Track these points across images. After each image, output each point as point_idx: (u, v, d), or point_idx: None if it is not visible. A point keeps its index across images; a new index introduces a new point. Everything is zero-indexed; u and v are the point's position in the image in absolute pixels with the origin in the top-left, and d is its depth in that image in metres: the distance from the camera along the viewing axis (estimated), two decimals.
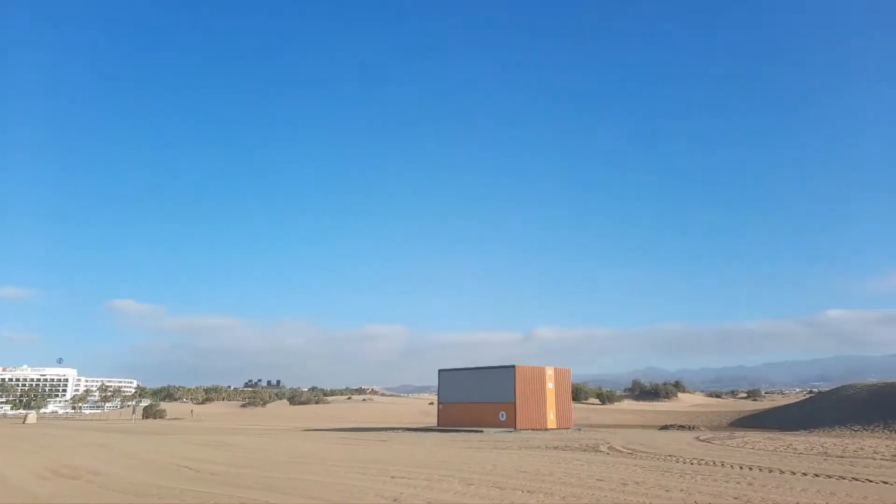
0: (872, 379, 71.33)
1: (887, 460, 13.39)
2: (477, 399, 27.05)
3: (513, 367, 26.35)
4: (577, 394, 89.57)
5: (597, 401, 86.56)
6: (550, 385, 27.26)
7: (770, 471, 11.96)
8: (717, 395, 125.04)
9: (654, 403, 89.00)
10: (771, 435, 24.22)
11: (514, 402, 25.67)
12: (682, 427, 38.61)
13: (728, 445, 17.18)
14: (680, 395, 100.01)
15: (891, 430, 29.85)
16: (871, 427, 32.10)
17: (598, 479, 11.14)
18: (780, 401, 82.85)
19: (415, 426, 31.75)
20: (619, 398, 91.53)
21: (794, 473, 11.54)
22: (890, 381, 57.73)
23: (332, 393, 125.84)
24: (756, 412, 60.97)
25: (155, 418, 68.24)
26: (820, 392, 75.02)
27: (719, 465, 12.95)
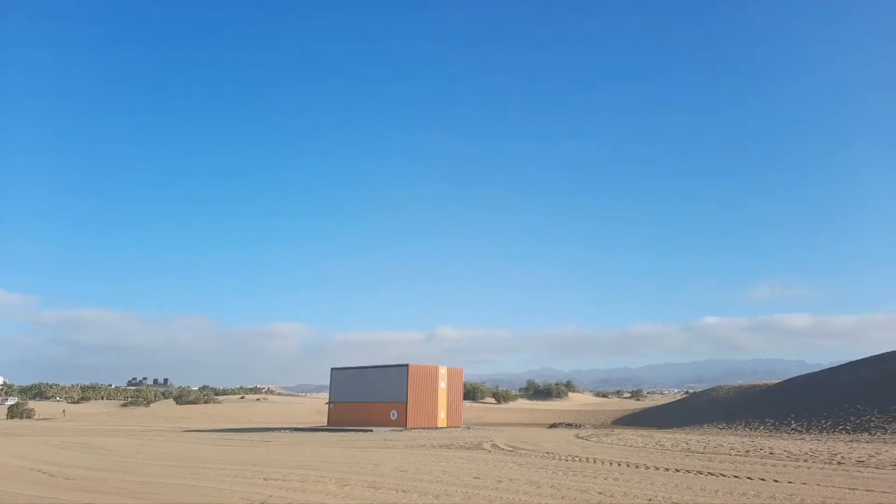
0: (740, 381, 77.77)
1: (741, 455, 14.54)
2: (369, 398, 26.78)
3: (406, 366, 26.33)
4: (474, 393, 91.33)
5: (493, 400, 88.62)
6: (443, 384, 27.51)
7: (636, 466, 12.62)
8: (605, 395, 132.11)
9: (546, 402, 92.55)
10: (645, 432, 25.76)
11: (406, 402, 25.66)
12: (569, 425, 40.37)
13: (604, 442, 18.03)
14: (571, 394, 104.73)
15: (750, 428, 32.68)
16: (734, 425, 34.98)
17: (475, 477, 11.25)
18: (659, 400, 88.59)
19: (305, 426, 30.92)
20: (514, 397, 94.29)
21: (657, 469, 12.24)
22: (753, 382, 63.46)
23: (225, 392, 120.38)
24: (637, 411, 64.89)
25: (21, 418, 62.18)
26: (693, 393, 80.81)
27: (591, 461, 13.51)
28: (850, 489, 9.59)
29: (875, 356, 40.26)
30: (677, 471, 11.92)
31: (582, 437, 19.90)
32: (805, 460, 13.19)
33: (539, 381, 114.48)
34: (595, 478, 11.04)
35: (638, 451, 15.65)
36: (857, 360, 41.62)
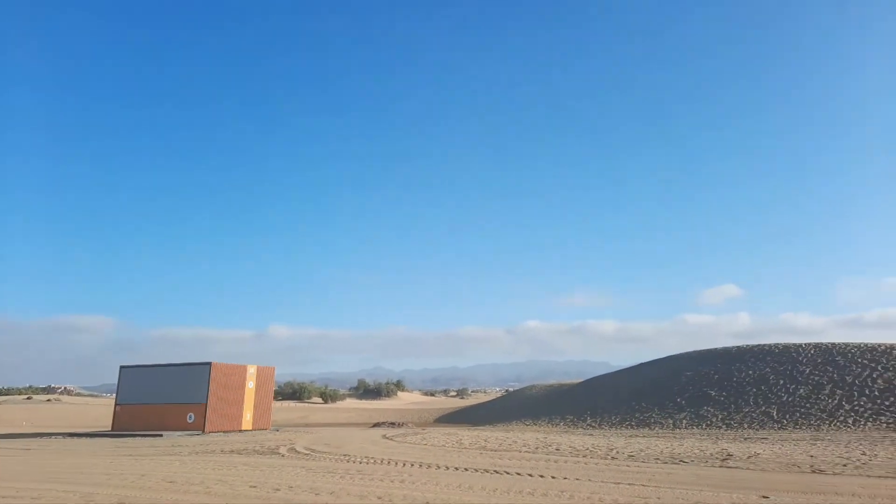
0: (552, 381, 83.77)
1: (530, 452, 15.08)
2: (163, 399, 24.15)
3: (208, 364, 24.18)
4: (301, 393, 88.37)
5: (320, 400, 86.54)
6: (251, 384, 25.73)
7: (428, 466, 12.43)
8: (432, 394, 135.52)
9: (375, 402, 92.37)
10: (454, 430, 26.26)
11: (206, 403, 23.53)
12: (392, 424, 40.38)
13: (407, 442, 17.85)
14: (400, 393, 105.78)
15: (552, 424, 35.09)
16: (539, 421, 37.34)
17: (251, 486, 10.25)
18: (481, 398, 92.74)
19: (87, 431, 27.13)
20: (343, 397, 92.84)
21: (447, 469, 12.14)
22: (561, 382, 68.78)
23: (9, 392, 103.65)
24: (460, 409, 67.14)
25: None
26: (510, 392, 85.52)
27: (386, 462, 13.12)
28: (615, 483, 10.14)
29: (658, 359, 45.56)
30: (466, 470, 11.91)
31: (388, 438, 19.59)
32: (585, 455, 13.98)
33: (370, 381, 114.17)
34: (381, 481, 10.60)
35: (437, 450, 15.62)
36: (645, 363, 46.77)
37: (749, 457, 13.28)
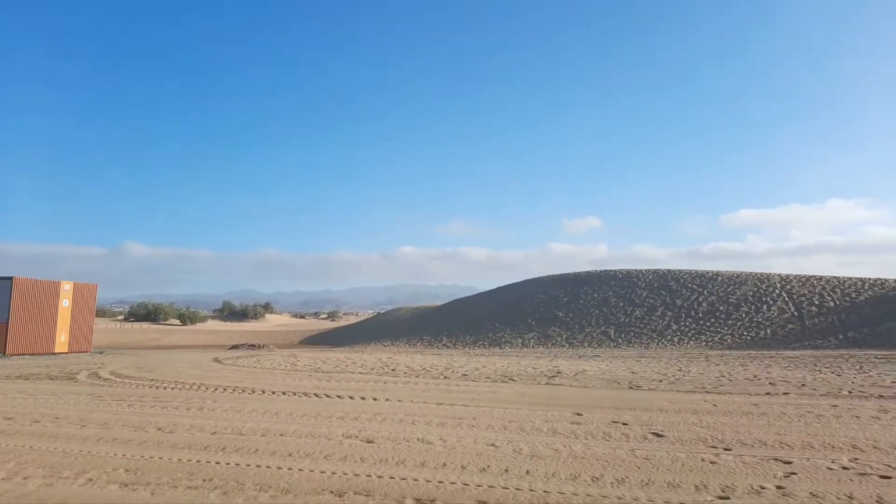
0: (423, 303, 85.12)
1: (364, 373, 14.39)
2: None
3: (8, 279, 20.84)
4: (157, 314, 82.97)
5: (178, 322, 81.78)
6: (66, 303, 22.69)
7: (242, 391, 11.27)
8: (303, 316, 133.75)
9: (241, 324, 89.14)
10: (301, 352, 25.27)
11: (7, 322, 20.39)
12: (251, 346, 38.71)
13: (237, 365, 16.54)
14: (268, 315, 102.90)
15: (409, 344, 35.37)
16: (398, 342, 37.53)
17: (5, 418, 8.50)
18: (352, 320, 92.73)
19: None
20: (204, 318, 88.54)
21: (261, 393, 11.05)
22: (427, 304, 70.04)
23: None
24: (327, 331, 66.48)
25: None
26: (379, 314, 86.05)
27: (195, 388, 11.77)
28: (437, 403, 9.60)
29: (515, 284, 47.30)
30: (280, 394, 10.89)
31: (218, 361, 18.11)
32: (418, 376, 13.53)
33: (237, 303, 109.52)
34: (176, 409, 9.26)
35: (263, 373, 14.47)
36: (503, 286, 48.40)
37: (576, 374, 13.51)
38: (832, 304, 29.17)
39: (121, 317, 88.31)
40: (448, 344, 33.82)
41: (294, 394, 10.79)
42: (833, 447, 6.26)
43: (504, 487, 5.04)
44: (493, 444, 6.70)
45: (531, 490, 4.96)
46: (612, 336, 29.59)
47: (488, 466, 5.72)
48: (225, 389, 11.44)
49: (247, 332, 68.97)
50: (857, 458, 5.76)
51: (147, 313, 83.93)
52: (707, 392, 10.51)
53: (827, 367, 14.56)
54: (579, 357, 20.05)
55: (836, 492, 4.74)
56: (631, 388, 11.27)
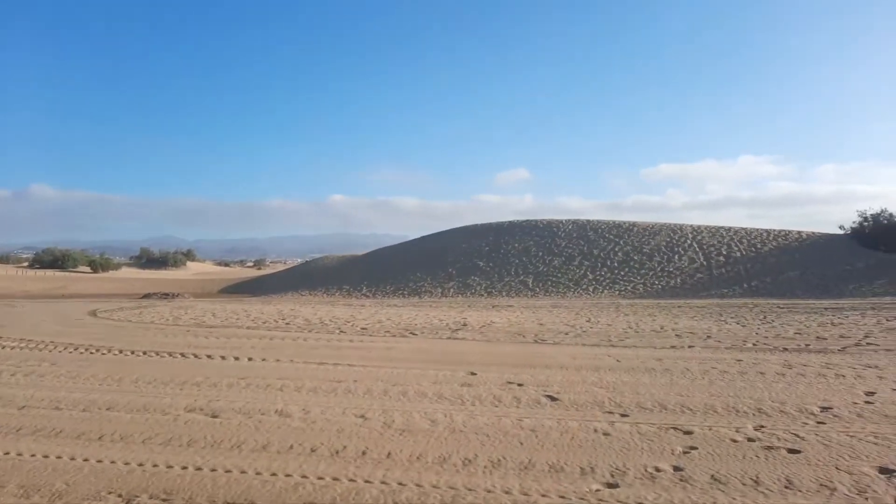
0: (354, 252, 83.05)
1: (254, 328, 13.10)
2: None
3: None
4: (65, 261, 76.92)
5: (88, 269, 76.25)
6: None
7: (95, 350, 9.77)
8: (227, 265, 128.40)
9: (159, 272, 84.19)
10: (200, 303, 23.47)
11: None
12: (165, 295, 36.21)
13: (113, 319, 14.81)
14: (189, 263, 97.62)
15: (328, 294, 34.02)
16: (317, 291, 36.04)
17: None
18: (278, 269, 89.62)
19: None
20: (118, 266, 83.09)
21: (118, 353, 9.61)
22: (353, 253, 68.36)
23: None
24: (248, 279, 63.70)
25: None
26: (303, 262, 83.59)
27: (40, 348, 10.14)
28: (318, 363, 8.53)
29: (439, 233, 46.44)
30: (140, 354, 9.50)
31: (94, 314, 16.24)
32: (311, 330, 12.41)
33: (155, 250, 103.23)
34: None
35: (137, 329, 12.90)
36: (427, 235, 47.44)
37: (483, 326, 12.77)
38: (739, 254, 30.10)
39: (25, 263, 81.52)
40: (367, 293, 32.73)
41: (157, 354, 9.41)
42: (738, 411, 5.66)
43: (351, 479, 4.03)
44: (363, 416, 5.71)
45: (383, 482, 3.98)
46: (530, 285, 29.41)
47: (344, 448, 4.71)
48: (76, 349, 9.89)
49: (164, 280, 65.01)
50: (762, 426, 5.15)
51: (54, 260, 77.67)
52: (612, 346, 9.96)
53: (732, 318, 14.54)
54: (493, 307, 19.48)
55: (741, 474, 4.03)
56: (536, 341, 10.59)
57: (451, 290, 30.65)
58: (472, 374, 7.61)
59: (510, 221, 42.14)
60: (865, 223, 31.78)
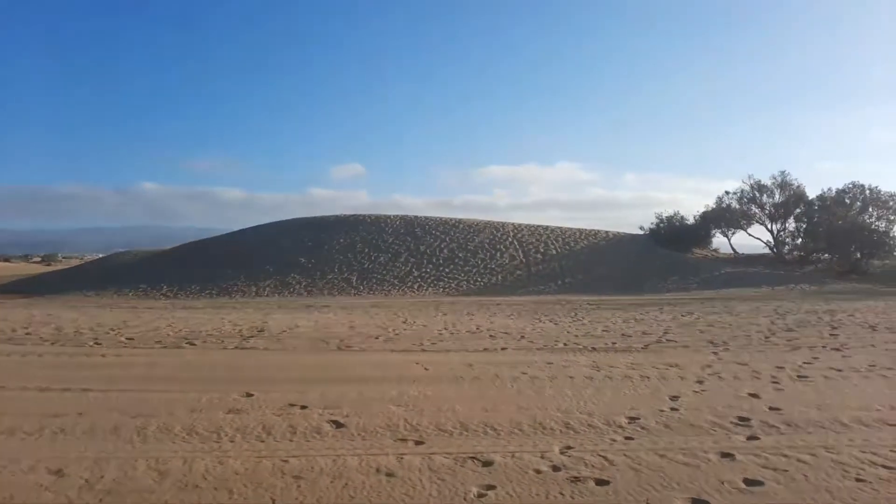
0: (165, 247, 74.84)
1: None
2: None
3: None
4: None
5: None
6: None
7: None
8: (7, 259, 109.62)
9: None
10: None
11: None
12: None
13: None
14: None
15: (120, 295, 29.59)
16: (106, 292, 31.26)
17: None
18: (73, 264, 77.92)
19: None
20: None
21: None
22: (158, 249, 61.54)
23: None
24: (26, 277, 54.17)
25: None
26: (95, 259, 73.70)
27: None
28: (39, 390, 6.47)
29: (260, 226, 43.27)
30: None
31: None
32: (57, 342, 9.91)
33: None
34: None
35: None
36: (247, 229, 43.92)
37: (283, 331, 11.25)
38: (555, 251, 31.67)
39: None
40: (168, 293, 29.02)
41: None
42: (545, 428, 4.94)
43: None
44: (60, 472, 4.04)
45: None
46: (354, 283, 28.14)
47: None
48: None
49: None
50: (570, 447, 4.44)
51: None
52: (424, 350, 9.08)
53: (546, 315, 14.61)
54: (306, 308, 17.88)
55: None
56: (339, 348, 9.36)
57: (268, 289, 28.31)
58: (249, 395, 6.17)
59: (336, 216, 40.47)
60: (661, 224, 35.32)
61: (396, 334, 10.86)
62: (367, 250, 32.35)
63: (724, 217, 34.85)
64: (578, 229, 35.73)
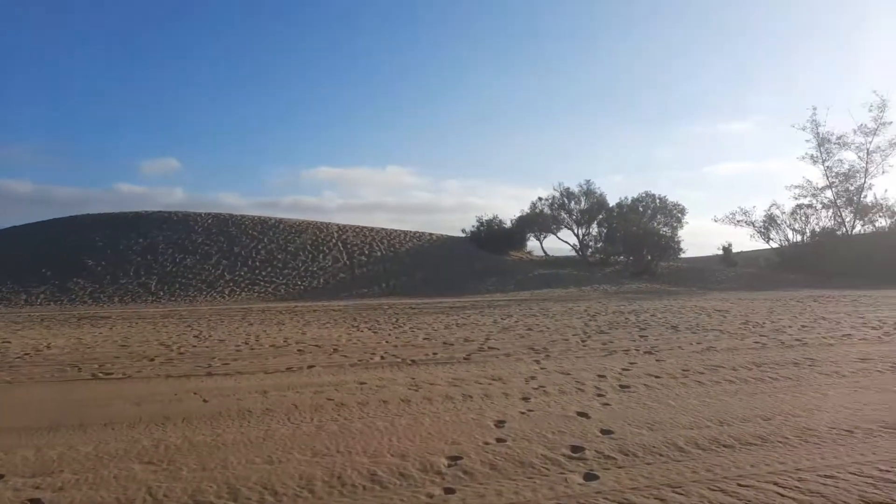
0: None
1: None
2: None
3: None
4: None
5: None
6: None
7: None
8: None
9: None
10: None
11: None
12: None
13: None
14: None
15: None
16: None
17: None
18: None
19: None
20: None
21: None
22: None
23: None
24: None
25: None
26: None
27: None
28: None
29: (38, 223, 36.59)
30: None
31: None
32: None
33: None
34: None
35: None
36: (18, 226, 36.87)
37: (24, 354, 8.76)
38: (380, 253, 30.81)
39: None
40: None
41: None
42: (344, 485, 3.79)
43: None
44: None
45: None
46: (153, 289, 24.59)
47: None
48: None
49: None
50: None
51: None
52: (210, 374, 7.44)
53: (366, 322, 13.53)
54: (77, 321, 14.78)
55: None
56: (95, 376, 7.34)
57: (42, 296, 23.64)
58: None
59: (136, 212, 35.56)
60: (481, 228, 36.25)
61: (181, 353, 8.98)
62: (171, 251, 28.64)
63: (537, 222, 36.97)
64: (404, 231, 35.32)
